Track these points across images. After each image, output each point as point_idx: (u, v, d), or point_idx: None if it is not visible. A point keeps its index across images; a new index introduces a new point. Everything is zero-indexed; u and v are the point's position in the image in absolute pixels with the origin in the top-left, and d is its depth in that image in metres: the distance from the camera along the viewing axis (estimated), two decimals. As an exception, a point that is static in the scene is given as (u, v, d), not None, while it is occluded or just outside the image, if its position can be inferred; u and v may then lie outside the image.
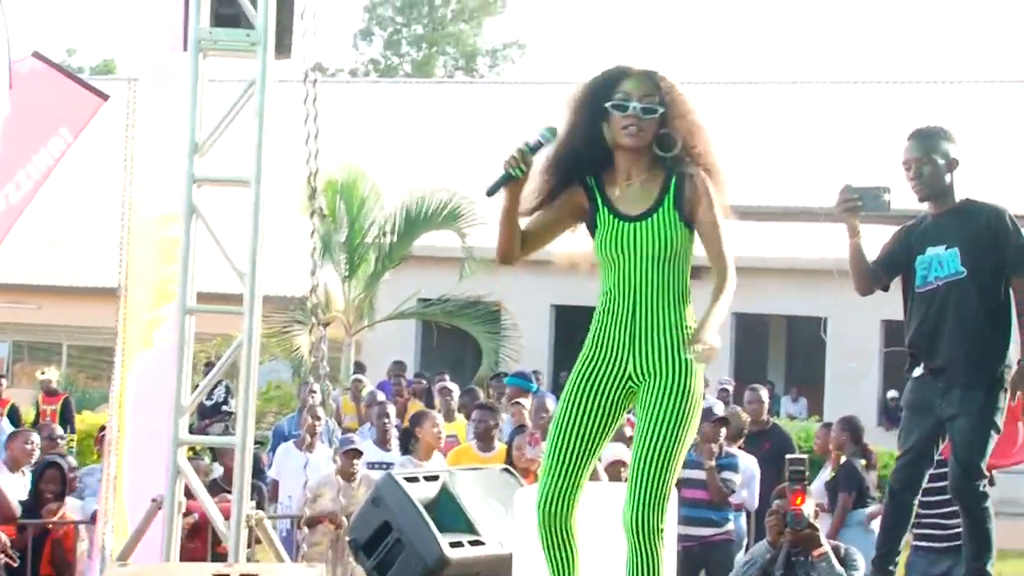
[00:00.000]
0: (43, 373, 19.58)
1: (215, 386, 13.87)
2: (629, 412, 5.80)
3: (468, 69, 59.93)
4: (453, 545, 6.24)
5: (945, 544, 9.61)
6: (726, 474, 12.20)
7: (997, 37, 79.32)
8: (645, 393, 5.51)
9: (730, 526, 12.25)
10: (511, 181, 5.82)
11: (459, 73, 59.14)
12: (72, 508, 10.67)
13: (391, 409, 13.83)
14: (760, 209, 27.95)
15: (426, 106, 36.34)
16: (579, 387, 5.61)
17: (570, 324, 25.90)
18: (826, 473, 13.11)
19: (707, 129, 5.68)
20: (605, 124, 5.62)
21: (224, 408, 14.64)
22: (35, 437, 11.68)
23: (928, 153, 6.92)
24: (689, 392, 5.44)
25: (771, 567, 9.95)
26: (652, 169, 5.63)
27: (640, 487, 5.37)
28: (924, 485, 7.20)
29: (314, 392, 12.70)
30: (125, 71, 33.49)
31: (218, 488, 10.37)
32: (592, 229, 5.81)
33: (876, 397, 24.09)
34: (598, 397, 5.58)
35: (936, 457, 7.04)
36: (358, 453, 11.50)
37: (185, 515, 8.34)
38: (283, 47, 7.89)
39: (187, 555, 8.83)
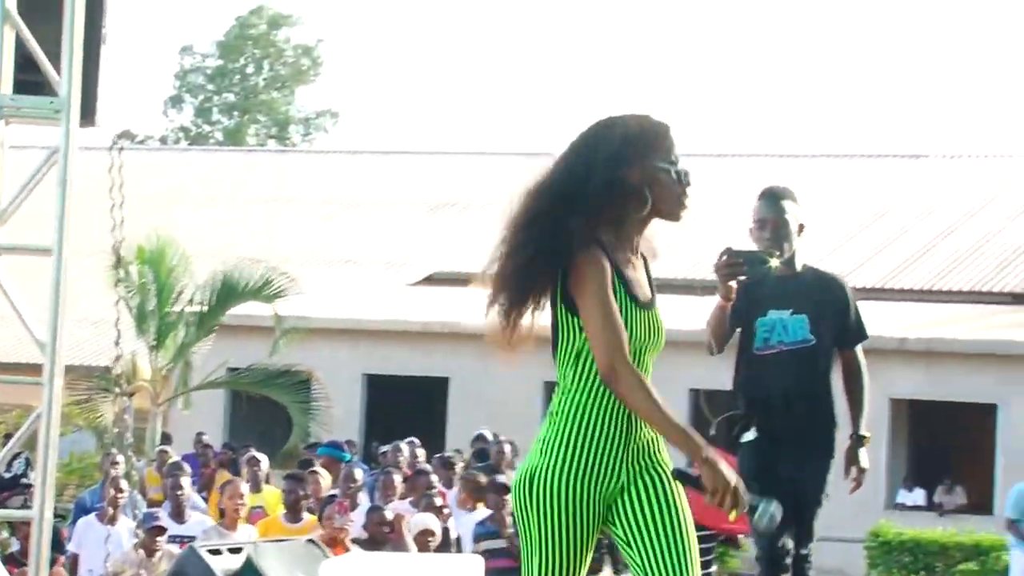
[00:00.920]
0: None
1: (13, 458, 13.59)
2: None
3: (281, 137, 59.76)
4: (257, 618, 6.17)
5: None
6: (521, 537, 12.25)
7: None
8: (636, 503, 4.70)
9: None
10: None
11: (272, 141, 58.94)
12: None
13: (185, 481, 13.62)
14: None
15: (238, 174, 36.11)
16: (565, 499, 4.70)
17: (381, 393, 25.83)
18: None
19: None
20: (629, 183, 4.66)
21: (23, 480, 14.34)
22: None
23: (782, 213, 6.86)
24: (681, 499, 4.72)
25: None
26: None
27: None
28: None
29: (117, 463, 12.53)
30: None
31: (15, 562, 10.14)
32: None
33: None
34: (583, 511, 4.70)
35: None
36: (162, 530, 11.32)
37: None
38: (88, 114, 7.81)
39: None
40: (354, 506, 13.33)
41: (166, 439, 20.20)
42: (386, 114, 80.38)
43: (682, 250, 24.78)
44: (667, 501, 4.65)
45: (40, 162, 7.65)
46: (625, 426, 4.69)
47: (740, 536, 12.86)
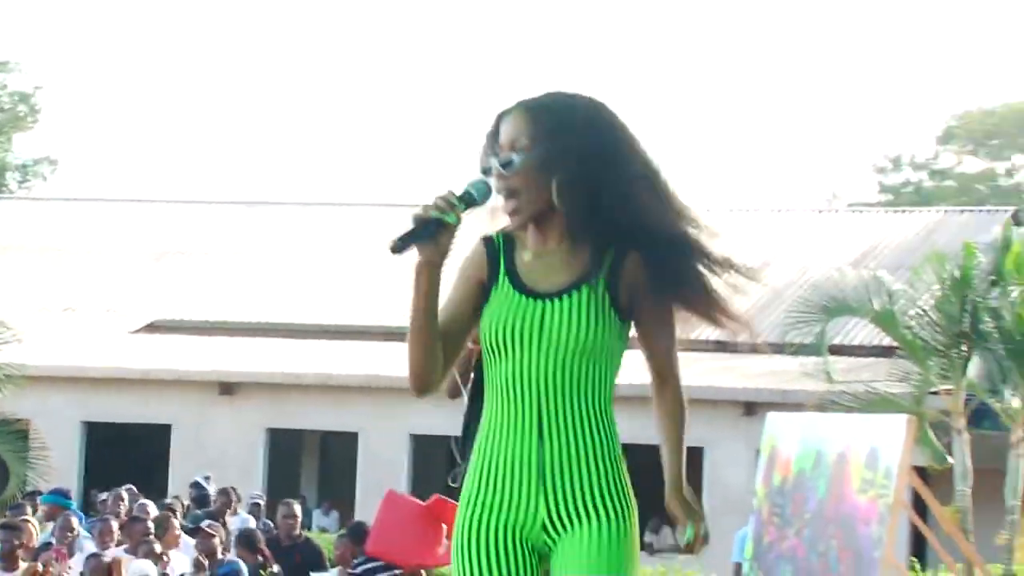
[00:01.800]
0: None
1: None
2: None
3: (-1, 185, 58.53)
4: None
5: None
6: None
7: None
8: (567, 547, 4.02)
9: None
10: (437, 232, 3.90)
11: (-11, 190, 57.64)
12: None
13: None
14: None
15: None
16: (477, 548, 4.04)
17: (101, 441, 25.45)
18: None
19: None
20: None
21: None
22: None
23: None
24: (630, 543, 4.08)
25: None
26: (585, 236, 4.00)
27: None
28: None
29: None
30: None
31: None
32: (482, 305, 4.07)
33: (404, 509, 24.43)
34: (505, 560, 4.02)
35: None
36: None
37: None
38: None
39: None
40: (72, 553, 13.16)
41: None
42: (107, 162, 79.09)
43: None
44: None
45: None
46: None
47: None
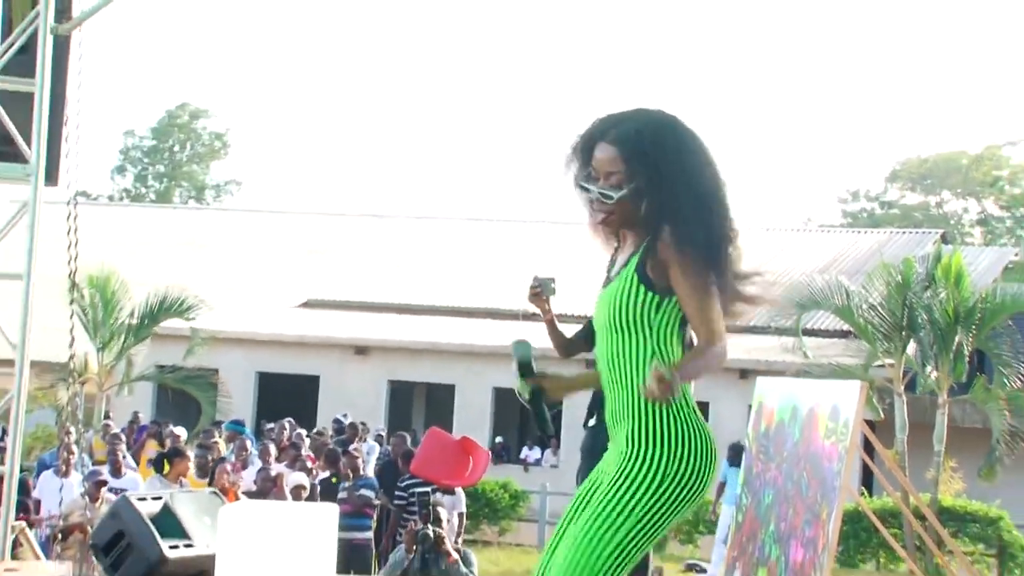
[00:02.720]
0: None
1: (-8, 428, 13.30)
2: None
3: (199, 198, 59.12)
4: (171, 548, 6.10)
5: None
6: (363, 492, 12.24)
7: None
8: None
9: (369, 533, 12.22)
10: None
11: (191, 201, 58.26)
12: None
13: (121, 447, 13.45)
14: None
15: (165, 225, 35.77)
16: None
17: (269, 387, 25.63)
18: None
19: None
20: None
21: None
22: None
23: None
24: (636, 473, 3.44)
25: (409, 568, 10.05)
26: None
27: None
28: None
29: (69, 433, 12.28)
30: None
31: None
32: None
33: (487, 442, 24.40)
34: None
35: None
36: (104, 483, 11.14)
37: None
38: (52, 177, 7.73)
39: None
40: (245, 467, 13.23)
41: (108, 416, 19.90)
42: (278, 182, 79.72)
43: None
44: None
45: (15, 212, 7.53)
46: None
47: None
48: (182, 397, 21.93)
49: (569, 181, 3.62)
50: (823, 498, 11.13)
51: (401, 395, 26.29)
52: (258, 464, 13.48)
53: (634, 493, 3.41)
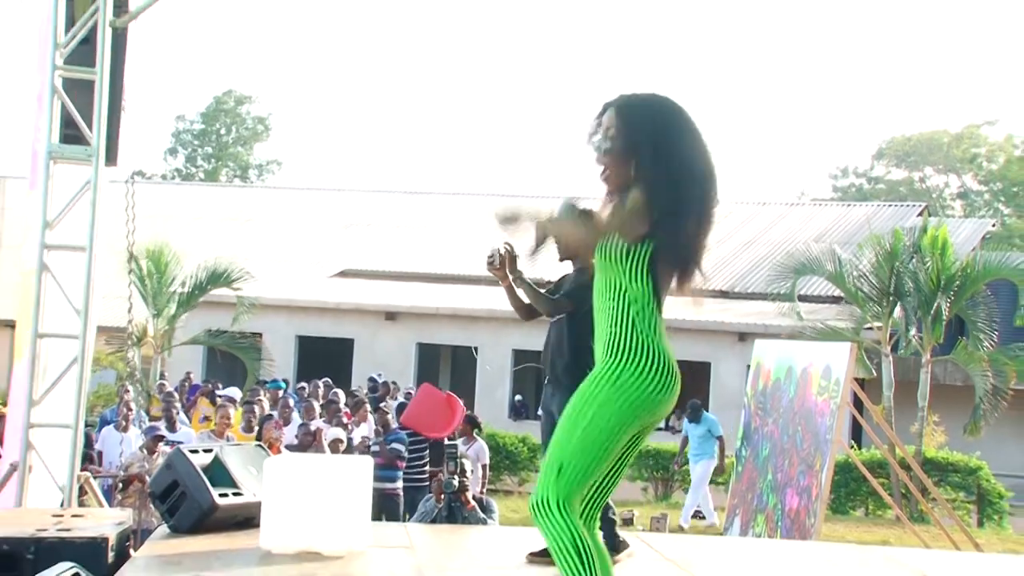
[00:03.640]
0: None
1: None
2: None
3: (243, 177, 59.13)
4: (221, 496, 6.10)
5: None
6: (394, 446, 12.27)
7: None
8: None
9: (399, 484, 12.25)
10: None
11: (237, 180, 58.29)
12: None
13: (177, 404, 13.50)
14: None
15: (214, 201, 35.77)
16: None
17: (308, 349, 25.69)
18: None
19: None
20: None
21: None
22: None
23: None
24: (599, 382, 3.65)
25: (437, 516, 10.07)
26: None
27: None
28: None
29: (128, 391, 12.37)
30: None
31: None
32: None
33: (507, 399, 24.41)
34: None
35: None
36: (161, 438, 11.19)
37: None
38: (111, 158, 7.72)
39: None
40: (287, 423, 13.28)
41: (163, 377, 19.97)
42: (314, 163, 79.69)
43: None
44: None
45: (78, 189, 7.55)
46: None
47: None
48: (229, 359, 22.00)
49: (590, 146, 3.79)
50: (816, 450, 11.13)
51: (428, 356, 26.31)
52: (299, 420, 13.52)
53: (598, 387, 3.61)
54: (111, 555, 5.39)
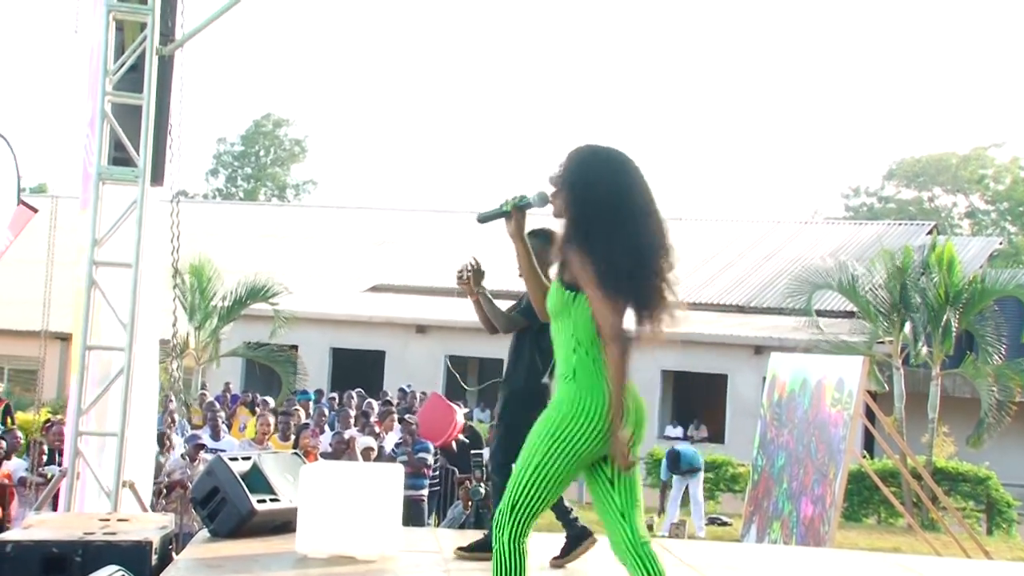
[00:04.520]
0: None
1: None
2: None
3: (281, 196, 59.39)
4: (259, 502, 6.11)
5: None
6: (421, 455, 12.30)
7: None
8: None
9: (425, 491, 12.27)
10: (502, 217, 4.24)
11: (274, 199, 58.54)
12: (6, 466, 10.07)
13: (220, 415, 13.52)
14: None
15: (253, 219, 35.91)
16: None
17: (342, 361, 25.73)
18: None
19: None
20: None
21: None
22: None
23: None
24: (550, 425, 3.79)
25: (465, 522, 10.05)
26: None
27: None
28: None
29: (171, 401, 12.40)
30: (53, 191, 32.15)
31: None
32: None
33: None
34: None
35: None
36: (202, 446, 11.21)
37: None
38: (157, 178, 7.77)
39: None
40: (322, 431, 13.28)
41: (204, 387, 20.02)
42: (348, 183, 79.93)
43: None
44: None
45: (125, 209, 7.59)
46: None
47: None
48: (267, 370, 22.05)
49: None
50: (830, 460, 11.06)
51: (457, 368, 26.34)
52: (334, 429, 13.53)
53: (544, 432, 3.78)
54: (154, 558, 5.40)
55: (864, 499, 18.14)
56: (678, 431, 23.70)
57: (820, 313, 20.66)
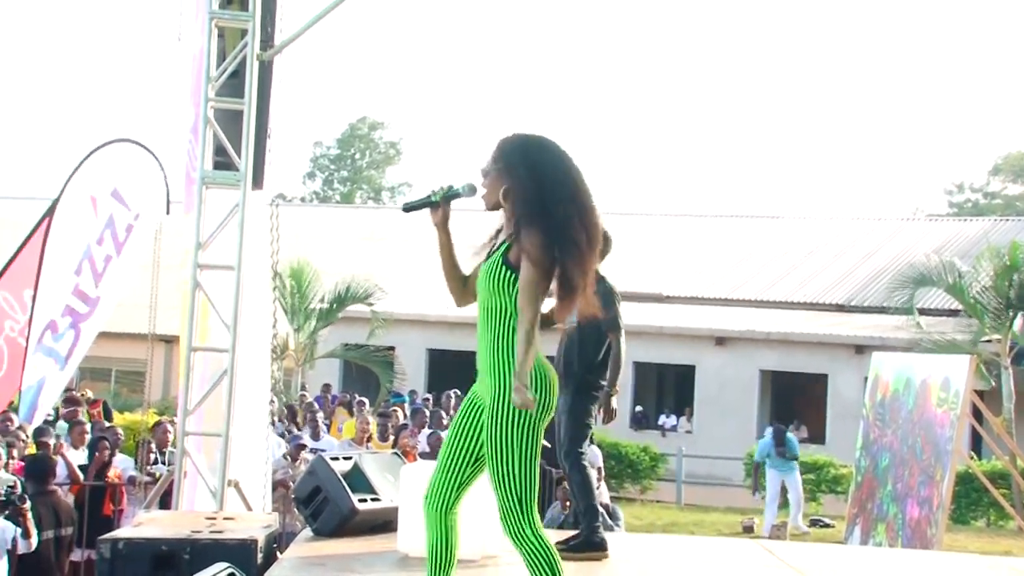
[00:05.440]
0: (84, 392, 18.98)
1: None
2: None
3: (376, 199, 59.98)
4: (360, 501, 6.16)
5: None
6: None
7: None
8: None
9: None
10: (428, 207, 4.43)
11: (370, 201, 59.16)
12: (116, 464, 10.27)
13: (320, 415, 13.69)
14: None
15: (350, 222, 36.30)
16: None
17: (438, 362, 25.86)
18: None
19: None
20: None
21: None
22: (88, 427, 11.24)
23: None
24: (502, 416, 3.93)
25: (564, 522, 10.04)
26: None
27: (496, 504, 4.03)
28: None
29: (273, 402, 12.60)
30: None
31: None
32: None
33: (628, 409, 24.22)
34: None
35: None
36: (304, 447, 11.36)
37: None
38: (258, 182, 7.90)
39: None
40: (420, 431, 13.39)
41: (304, 388, 20.29)
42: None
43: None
44: None
45: (227, 212, 7.71)
46: None
47: None
48: (364, 371, 22.27)
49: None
50: (937, 461, 10.82)
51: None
52: (427, 429, 13.63)
53: (508, 425, 3.89)
54: (260, 557, 5.48)
55: (972, 501, 17.72)
56: (777, 432, 23.37)
57: (922, 311, 20.24)
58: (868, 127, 77.42)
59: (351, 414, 15.39)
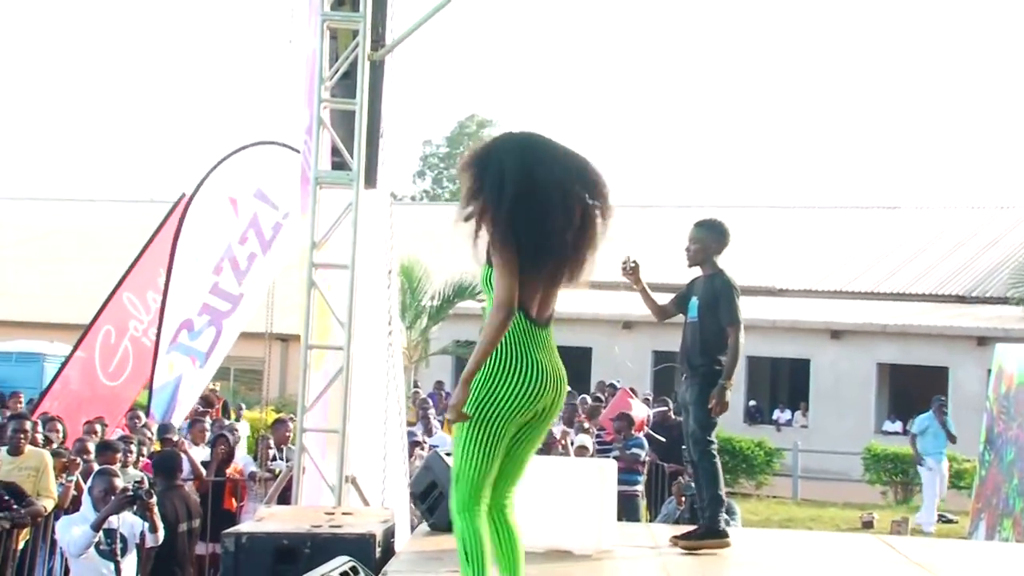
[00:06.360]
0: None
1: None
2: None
3: (485, 197, 60.40)
4: (475, 496, 6.19)
5: None
6: (634, 451, 12.28)
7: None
8: None
9: (639, 487, 12.25)
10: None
11: (480, 199, 59.54)
12: (236, 460, 10.49)
13: (432, 411, 13.82)
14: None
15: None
16: None
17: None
18: None
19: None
20: None
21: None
22: (208, 423, 11.49)
23: (693, 238, 6.37)
24: (478, 390, 4.01)
25: (679, 517, 10.00)
26: None
27: None
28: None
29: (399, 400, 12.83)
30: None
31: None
32: None
33: (742, 404, 23.93)
34: None
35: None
36: (418, 442, 11.48)
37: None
38: (371, 181, 8.00)
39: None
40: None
41: (416, 385, 20.52)
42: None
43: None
44: None
45: (341, 211, 7.83)
46: None
47: None
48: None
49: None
50: (1065, 455, 10.47)
51: (664, 362, 26.14)
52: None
53: (475, 397, 3.95)
54: (378, 551, 5.56)
55: (1102, 497, 17.15)
56: (896, 426, 22.87)
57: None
58: (989, 112, 75.33)
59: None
